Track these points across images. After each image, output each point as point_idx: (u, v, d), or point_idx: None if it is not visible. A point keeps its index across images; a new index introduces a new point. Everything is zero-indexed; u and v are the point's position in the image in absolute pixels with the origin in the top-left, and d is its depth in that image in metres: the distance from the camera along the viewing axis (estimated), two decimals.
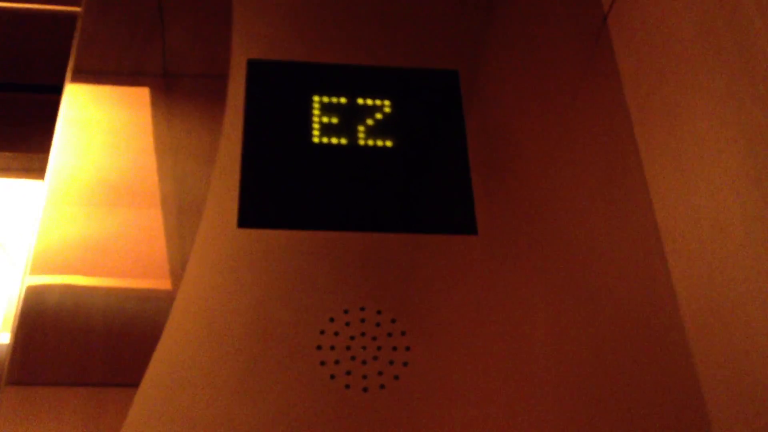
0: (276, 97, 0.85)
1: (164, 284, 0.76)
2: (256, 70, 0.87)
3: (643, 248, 0.80)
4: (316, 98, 0.86)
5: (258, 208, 0.79)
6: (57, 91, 0.86)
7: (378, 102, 0.86)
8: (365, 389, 0.71)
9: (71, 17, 0.89)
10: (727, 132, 0.70)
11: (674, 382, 0.73)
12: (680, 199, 0.77)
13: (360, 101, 0.86)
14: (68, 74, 0.86)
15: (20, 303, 0.72)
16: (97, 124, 0.83)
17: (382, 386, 0.71)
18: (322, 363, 0.71)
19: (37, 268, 0.73)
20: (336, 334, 0.73)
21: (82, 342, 0.70)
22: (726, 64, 0.71)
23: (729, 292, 0.70)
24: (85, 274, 0.74)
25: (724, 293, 0.71)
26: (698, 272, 0.74)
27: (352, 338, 0.73)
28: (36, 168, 1.06)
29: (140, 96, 0.87)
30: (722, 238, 0.71)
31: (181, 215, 0.79)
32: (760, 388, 0.66)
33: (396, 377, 0.71)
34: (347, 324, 0.73)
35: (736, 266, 0.69)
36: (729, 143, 0.70)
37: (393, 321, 0.74)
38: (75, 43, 0.88)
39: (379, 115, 0.86)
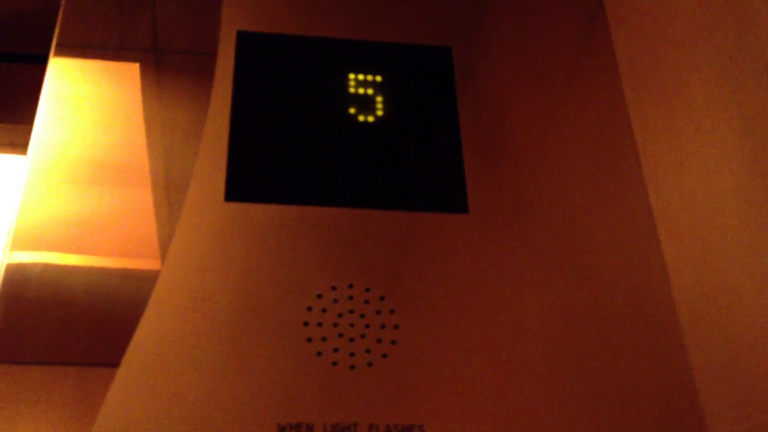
0: (265, 70, 0.84)
1: (149, 263, 0.74)
2: (245, 42, 0.85)
3: (636, 229, 0.79)
4: (306, 72, 0.85)
5: (246, 181, 0.77)
6: (44, 62, 0.84)
7: (369, 77, 0.85)
8: (352, 367, 0.70)
9: None
10: (723, 112, 0.70)
11: (665, 364, 0.73)
12: (674, 180, 0.76)
13: (351, 76, 0.85)
14: (52, 48, 0.84)
15: (0, 280, 0.70)
16: (82, 100, 0.81)
17: (369, 364, 0.70)
18: (309, 340, 0.70)
19: (18, 245, 0.72)
20: (323, 310, 0.72)
21: (64, 321, 0.69)
22: (723, 44, 0.70)
23: (722, 274, 0.70)
24: (68, 251, 0.73)
25: (717, 275, 0.70)
26: (691, 254, 0.74)
27: (339, 315, 0.72)
28: (20, 143, 1.04)
29: (128, 72, 0.86)
30: (716, 219, 0.70)
31: (169, 193, 0.77)
32: (751, 371, 0.66)
33: (384, 355, 0.71)
34: (335, 301, 0.72)
35: (729, 248, 0.69)
36: (725, 123, 0.70)
37: (382, 299, 0.73)
38: (59, 15, 0.86)
39: (370, 91, 0.85)
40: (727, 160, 0.69)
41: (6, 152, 1.06)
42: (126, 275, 0.73)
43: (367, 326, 0.72)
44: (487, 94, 0.86)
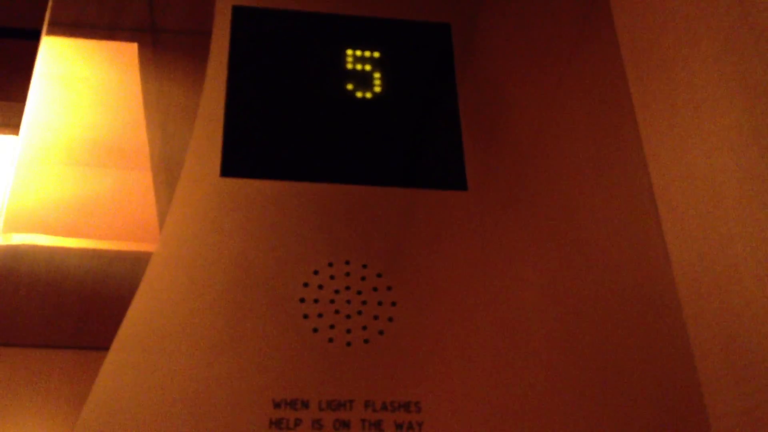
0: (261, 46, 0.83)
1: (144, 245, 0.73)
2: (241, 17, 0.84)
3: (637, 207, 0.78)
4: (303, 47, 0.84)
5: (242, 156, 0.77)
6: (39, 38, 0.83)
7: (367, 53, 0.84)
8: (349, 343, 0.69)
9: None
10: (725, 88, 0.69)
11: (665, 342, 0.72)
12: (675, 156, 0.76)
13: (349, 52, 0.84)
14: (44, 26, 0.83)
15: None
16: (75, 80, 0.80)
17: (366, 341, 0.69)
18: (305, 316, 0.70)
19: (9, 227, 0.71)
20: (320, 287, 0.71)
21: (55, 303, 0.68)
22: (725, 18, 0.69)
23: (723, 252, 0.69)
24: (61, 234, 0.72)
25: (717, 253, 0.70)
26: (692, 231, 0.73)
27: (336, 292, 0.71)
28: (13, 123, 1.03)
29: (123, 51, 0.84)
30: (717, 196, 0.70)
31: (165, 175, 0.76)
32: (752, 350, 0.65)
33: (381, 332, 0.70)
34: (332, 277, 0.72)
35: (730, 226, 0.68)
36: (727, 99, 0.69)
37: (379, 275, 0.73)
38: None
39: (368, 67, 0.84)
40: (729, 136, 0.68)
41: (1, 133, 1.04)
42: (120, 258, 0.72)
43: (363, 303, 0.71)
44: (487, 71, 0.85)
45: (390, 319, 0.71)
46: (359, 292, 0.71)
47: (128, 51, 0.84)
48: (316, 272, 0.72)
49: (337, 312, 0.70)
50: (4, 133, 1.05)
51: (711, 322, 0.70)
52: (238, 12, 0.85)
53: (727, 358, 0.68)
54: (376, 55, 0.84)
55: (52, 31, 0.83)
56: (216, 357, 0.66)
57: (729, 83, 0.69)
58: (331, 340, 0.69)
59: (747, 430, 0.65)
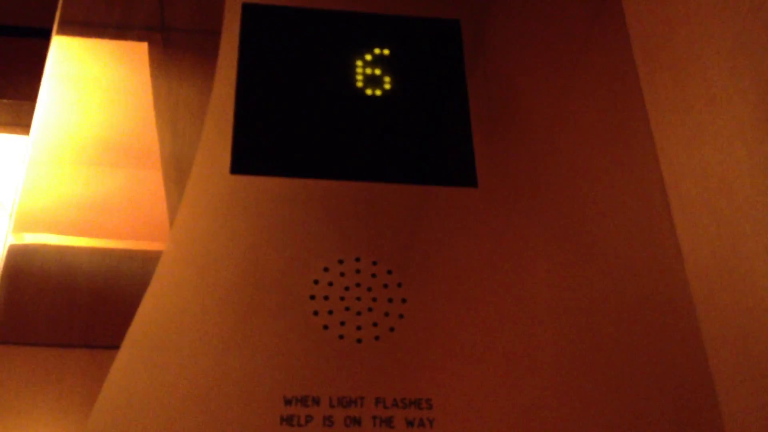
0: (271, 43, 0.83)
1: (154, 244, 0.73)
2: (251, 14, 0.84)
3: (648, 202, 0.78)
4: (312, 45, 0.84)
5: (252, 154, 0.77)
6: (49, 37, 0.83)
7: (377, 50, 0.84)
8: (359, 340, 0.69)
9: None
10: (737, 82, 0.69)
11: (678, 338, 0.72)
12: (687, 152, 0.75)
13: (358, 49, 0.84)
14: (55, 25, 0.83)
15: (3, 262, 0.69)
16: (85, 79, 0.80)
17: (376, 338, 0.69)
18: (316, 313, 0.70)
19: (20, 226, 0.71)
20: (330, 284, 0.71)
21: (66, 302, 0.68)
22: (737, 12, 0.69)
23: (736, 248, 0.68)
24: (71, 233, 0.72)
25: (730, 249, 0.69)
26: (704, 227, 0.72)
27: (346, 289, 0.71)
28: (25, 123, 1.03)
29: (133, 50, 0.84)
30: (729, 192, 0.69)
31: (172, 174, 0.76)
32: (764, 346, 0.65)
33: (391, 329, 0.70)
34: (342, 274, 0.72)
35: (743, 222, 0.68)
36: (739, 94, 0.68)
37: (389, 272, 0.72)
38: None
39: (378, 64, 0.84)
40: (742, 131, 0.68)
41: (10, 132, 1.05)
42: (130, 256, 0.72)
43: (374, 300, 0.71)
44: (497, 67, 0.85)
45: (400, 316, 0.70)
46: (369, 289, 0.71)
47: (138, 50, 0.84)
48: (326, 269, 0.72)
49: (347, 309, 0.70)
50: (15, 133, 1.05)
51: (724, 318, 0.69)
52: (247, 9, 0.84)
53: (740, 355, 0.67)
54: (386, 52, 0.84)
55: (62, 31, 0.83)
56: (226, 354, 0.66)
57: (741, 78, 0.68)
58: (341, 337, 0.69)
59: (761, 427, 0.65)
